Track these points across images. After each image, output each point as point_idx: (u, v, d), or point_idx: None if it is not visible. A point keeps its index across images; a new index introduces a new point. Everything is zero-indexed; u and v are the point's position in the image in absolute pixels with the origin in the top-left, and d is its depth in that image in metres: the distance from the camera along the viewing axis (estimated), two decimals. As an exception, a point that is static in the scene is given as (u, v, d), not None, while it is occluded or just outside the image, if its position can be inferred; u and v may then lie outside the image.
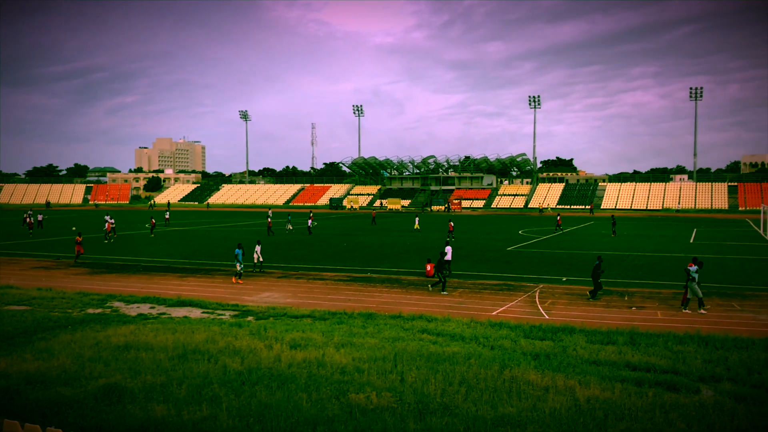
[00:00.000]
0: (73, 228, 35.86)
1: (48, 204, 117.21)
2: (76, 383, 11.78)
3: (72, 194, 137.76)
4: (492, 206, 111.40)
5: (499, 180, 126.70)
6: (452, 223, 50.46)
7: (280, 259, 35.27)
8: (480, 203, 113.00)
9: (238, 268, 26.93)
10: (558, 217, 61.45)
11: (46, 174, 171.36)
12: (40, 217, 59.85)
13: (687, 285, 20.62)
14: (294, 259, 35.20)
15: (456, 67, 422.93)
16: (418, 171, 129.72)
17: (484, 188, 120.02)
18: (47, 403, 10.72)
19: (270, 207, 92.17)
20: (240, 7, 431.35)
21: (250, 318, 18.99)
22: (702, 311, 20.19)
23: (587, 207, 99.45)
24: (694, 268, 20.60)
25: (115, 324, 17.46)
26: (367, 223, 67.44)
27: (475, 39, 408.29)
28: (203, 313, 19.97)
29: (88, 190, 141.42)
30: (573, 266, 32.06)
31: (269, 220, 55.60)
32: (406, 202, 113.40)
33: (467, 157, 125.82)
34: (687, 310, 20.33)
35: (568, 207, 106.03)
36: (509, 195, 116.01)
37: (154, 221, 53.55)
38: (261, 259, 29.93)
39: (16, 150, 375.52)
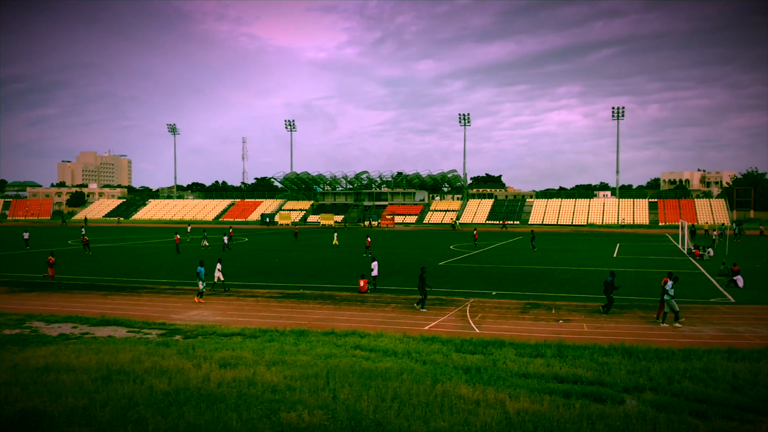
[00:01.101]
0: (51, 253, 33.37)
1: None
2: (-9, 409, 11.17)
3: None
4: (424, 221, 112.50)
5: (431, 196, 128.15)
6: (369, 239, 51.14)
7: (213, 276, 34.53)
8: (413, 218, 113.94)
9: (201, 286, 26.10)
10: (474, 232, 63.31)
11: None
12: None
13: (663, 299, 20.97)
14: (224, 275, 34.54)
15: (387, 84, 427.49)
16: (351, 186, 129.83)
17: (416, 204, 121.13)
18: (-42, 431, 10.14)
19: (189, 223, 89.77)
20: (168, 20, 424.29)
21: (177, 337, 18.51)
22: (677, 324, 20.68)
23: (500, 222, 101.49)
24: (670, 284, 20.96)
25: (34, 345, 16.70)
26: (317, 239, 66.92)
27: (406, 57, 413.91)
28: (129, 332, 19.34)
29: (6, 205, 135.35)
30: (502, 280, 32.65)
31: (177, 236, 53.15)
32: (339, 218, 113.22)
33: (400, 173, 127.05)
34: (664, 324, 20.81)
35: (499, 222, 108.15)
36: (441, 210, 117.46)
37: (86, 238, 51.45)
38: (222, 278, 28.93)
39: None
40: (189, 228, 68.14)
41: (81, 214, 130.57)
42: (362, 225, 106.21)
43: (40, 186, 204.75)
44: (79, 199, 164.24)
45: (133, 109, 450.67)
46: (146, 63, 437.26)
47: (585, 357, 15.83)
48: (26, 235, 56.16)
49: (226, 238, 53.96)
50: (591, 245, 60.33)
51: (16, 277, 34.13)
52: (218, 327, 20.07)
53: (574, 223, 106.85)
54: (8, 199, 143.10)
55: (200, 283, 26.11)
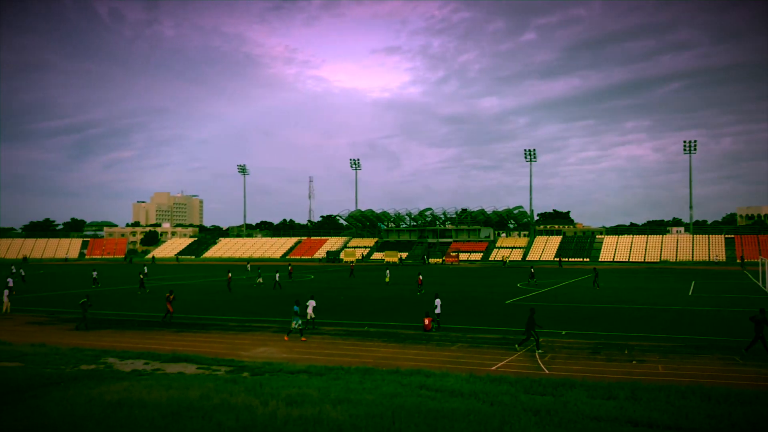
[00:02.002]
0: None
1: (25, 259, 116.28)
2: (67, 443, 11.51)
3: (68, 248, 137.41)
4: (490, 258, 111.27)
5: (496, 232, 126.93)
6: (421, 277, 50.54)
7: (277, 313, 35.00)
8: (478, 255, 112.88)
9: (294, 325, 25.95)
10: (531, 269, 62.63)
11: (42, 228, 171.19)
12: (22, 272, 59.62)
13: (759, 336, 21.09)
14: (289, 313, 34.90)
15: (451, 122, 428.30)
16: (415, 223, 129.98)
17: (481, 240, 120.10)
18: (37, 464, 10.47)
19: (249, 260, 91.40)
20: (238, 65, 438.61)
21: (245, 374, 18.71)
22: None
23: (557, 259, 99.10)
24: None
25: (109, 380, 17.18)
26: (374, 277, 67.09)
27: (469, 95, 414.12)
28: (198, 368, 19.69)
29: (84, 245, 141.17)
30: (571, 320, 31.83)
31: (229, 274, 53.53)
32: (403, 255, 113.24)
33: (464, 210, 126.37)
34: None
35: (567, 259, 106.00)
36: (507, 247, 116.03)
37: (142, 277, 53.04)
38: (313, 316, 28.64)
39: (13, 205, 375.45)
40: (249, 266, 69.46)
41: (151, 254, 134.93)
42: (425, 262, 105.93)
43: (116, 226, 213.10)
44: (153, 238, 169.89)
45: (204, 151, 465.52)
46: (216, 107, 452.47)
47: (661, 399, 15.17)
48: (95, 274, 58.50)
49: (277, 275, 54.28)
50: (664, 283, 58.31)
51: (93, 314, 35.37)
52: (285, 364, 20.20)
53: (646, 260, 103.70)
54: (86, 239, 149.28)
55: (293, 321, 25.91)
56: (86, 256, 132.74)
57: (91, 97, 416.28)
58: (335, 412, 13.54)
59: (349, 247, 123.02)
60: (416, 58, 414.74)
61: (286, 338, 26.00)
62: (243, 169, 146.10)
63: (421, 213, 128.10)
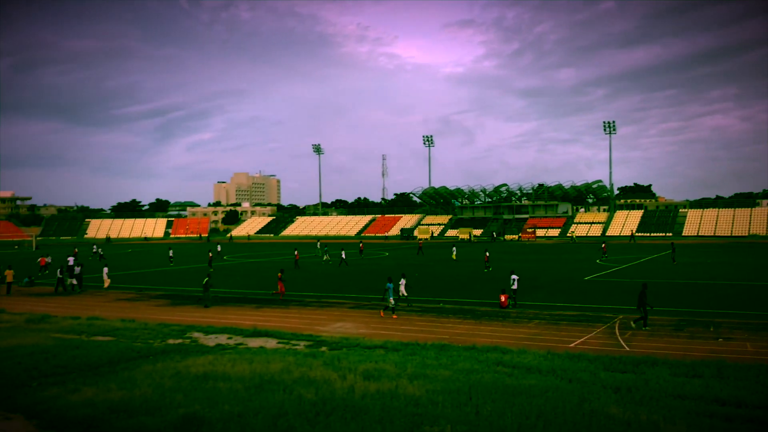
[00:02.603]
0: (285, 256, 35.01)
1: (108, 239, 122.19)
2: (157, 413, 12.10)
3: (154, 228, 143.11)
4: (567, 235, 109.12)
5: (574, 208, 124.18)
6: (488, 254, 50.28)
7: (353, 289, 35.49)
8: (555, 231, 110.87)
9: (391, 301, 26.06)
10: (603, 245, 61.58)
11: (129, 209, 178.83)
12: (100, 251, 61.62)
13: None
14: (366, 289, 35.34)
15: (527, 95, 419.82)
16: (490, 200, 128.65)
17: (559, 216, 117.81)
18: (130, 432, 11.06)
19: (318, 238, 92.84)
20: (311, 45, 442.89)
21: (323, 348, 19.12)
22: None
23: (630, 234, 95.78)
24: None
25: (194, 354, 17.89)
26: (441, 254, 67.08)
27: (545, 66, 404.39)
28: (278, 343, 20.23)
29: (169, 224, 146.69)
30: (655, 296, 30.92)
31: (296, 252, 54.02)
32: (477, 232, 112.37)
33: (541, 185, 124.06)
34: None
35: (648, 234, 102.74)
36: (586, 223, 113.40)
37: (211, 254, 54.74)
38: (405, 294, 28.67)
39: (101, 186, 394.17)
40: (318, 244, 70.87)
41: (239, 230, 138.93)
42: (501, 238, 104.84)
43: (199, 206, 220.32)
44: (233, 217, 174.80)
45: (280, 132, 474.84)
46: (291, 88, 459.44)
47: (749, 379, 14.59)
48: (171, 253, 60.94)
49: (343, 253, 54.93)
50: (753, 258, 55.72)
51: (178, 290, 36.82)
52: (362, 339, 20.51)
53: (733, 234, 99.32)
54: (171, 218, 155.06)
55: (389, 298, 26.03)
56: (171, 235, 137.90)
57: (172, 82, 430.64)
58: (412, 387, 13.68)
59: (422, 225, 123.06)
60: (490, 31, 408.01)
61: (381, 314, 26.15)
62: (318, 149, 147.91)
63: (496, 189, 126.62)
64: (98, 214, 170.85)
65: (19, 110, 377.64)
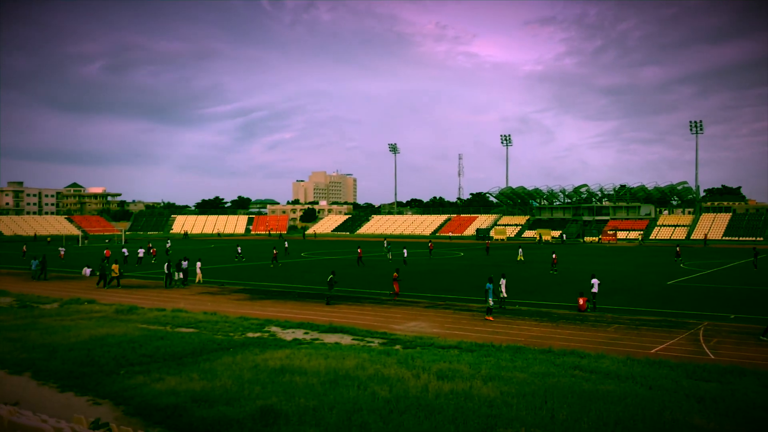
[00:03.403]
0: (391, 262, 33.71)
1: (185, 235, 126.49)
2: (236, 403, 12.49)
3: (236, 224, 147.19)
4: (650, 237, 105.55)
5: (657, 210, 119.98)
6: (555, 255, 49.36)
7: (426, 288, 35.50)
8: (637, 234, 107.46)
9: (490, 302, 25.59)
10: (677, 248, 60.07)
11: (213, 206, 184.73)
12: (140, 252, 58.16)
13: None
14: (441, 289, 35.28)
15: (609, 93, 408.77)
16: (569, 201, 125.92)
17: (641, 218, 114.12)
18: (211, 422, 11.46)
19: (385, 237, 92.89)
20: (389, 45, 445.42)
21: (397, 346, 19.22)
22: None
23: (703, 237, 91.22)
24: None
25: (272, 348, 18.34)
26: (511, 255, 66.19)
27: (629, 64, 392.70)
28: (353, 339, 20.48)
29: (250, 221, 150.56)
30: (743, 302, 29.56)
31: (360, 249, 56.44)
32: (556, 233, 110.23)
33: (623, 186, 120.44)
34: None
35: (736, 239, 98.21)
36: (669, 225, 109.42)
37: (276, 251, 55.83)
38: (505, 295, 27.97)
39: (187, 184, 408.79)
40: (385, 242, 71.43)
41: (316, 228, 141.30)
42: (580, 240, 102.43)
43: (278, 203, 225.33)
44: (311, 215, 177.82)
45: (357, 131, 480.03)
46: (369, 87, 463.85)
47: None
48: (239, 249, 63.06)
49: (405, 252, 55.22)
50: None
51: (257, 285, 37.78)
52: (436, 339, 20.50)
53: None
54: (252, 216, 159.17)
55: (489, 299, 25.58)
56: (251, 232, 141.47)
57: (255, 82, 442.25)
58: (486, 389, 13.60)
59: (499, 225, 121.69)
60: (571, 28, 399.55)
61: (490, 318, 25.10)
62: (394, 148, 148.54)
63: (576, 189, 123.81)
64: (183, 210, 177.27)
65: (112, 110, 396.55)
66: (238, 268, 50.82)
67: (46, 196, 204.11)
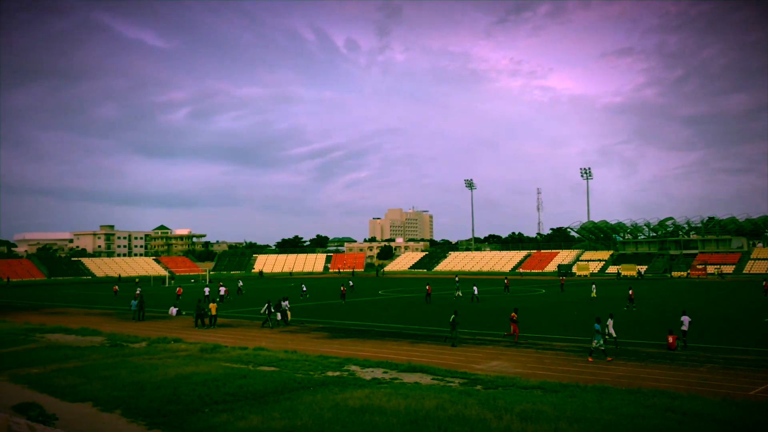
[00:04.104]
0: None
1: (261, 274, 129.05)
2: (317, 443, 12.47)
3: (315, 263, 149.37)
4: (743, 272, 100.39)
5: (751, 242, 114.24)
6: (632, 291, 47.42)
7: (507, 327, 34.79)
8: (729, 268, 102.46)
9: (594, 344, 24.10)
10: (764, 283, 56.12)
11: (292, 245, 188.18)
12: (222, 290, 59.16)
13: None
14: (522, 327, 34.53)
15: (693, 123, 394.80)
16: (654, 234, 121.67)
17: (732, 251, 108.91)
18: (292, 460, 11.48)
19: (456, 273, 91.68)
20: (464, 81, 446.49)
21: (478, 387, 18.85)
22: None
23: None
24: None
25: (352, 387, 18.32)
26: (586, 292, 64.26)
27: (713, 92, 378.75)
28: (433, 379, 20.23)
29: (328, 259, 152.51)
30: None
31: (428, 286, 56.41)
32: (642, 268, 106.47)
33: (711, 218, 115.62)
34: None
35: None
36: (763, 259, 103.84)
37: (344, 288, 55.65)
38: (614, 335, 26.38)
39: (267, 223, 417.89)
40: (457, 279, 71.02)
41: (392, 266, 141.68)
42: (668, 275, 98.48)
43: (355, 241, 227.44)
44: (388, 253, 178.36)
45: (432, 168, 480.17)
46: (444, 124, 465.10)
47: None
48: (304, 287, 63.84)
49: (475, 289, 54.98)
50: None
51: (336, 323, 38.02)
52: (518, 379, 20.00)
53: None
54: (330, 254, 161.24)
55: (594, 341, 24.28)
56: (330, 270, 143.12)
57: (332, 124, 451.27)
58: (571, 431, 13.11)
59: (581, 261, 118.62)
60: (651, 58, 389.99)
61: (590, 360, 24.01)
62: (470, 184, 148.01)
63: (661, 223, 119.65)
64: (264, 249, 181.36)
65: (197, 154, 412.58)
66: (315, 306, 51.34)
67: (136, 238, 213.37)
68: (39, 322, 39.12)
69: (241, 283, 73.17)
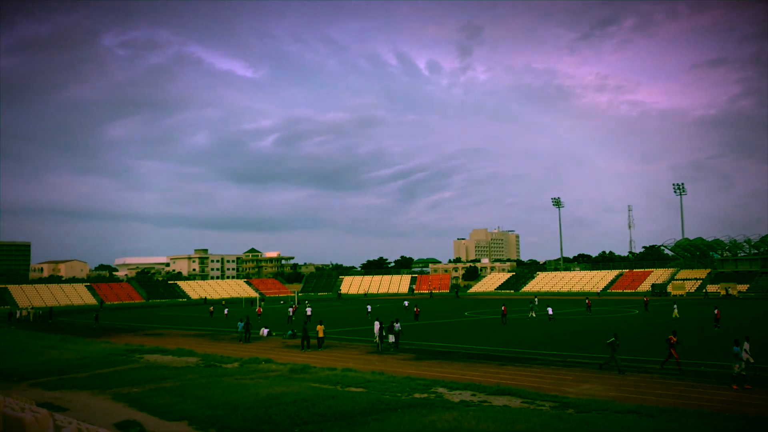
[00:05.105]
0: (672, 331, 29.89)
1: (339, 295, 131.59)
2: (406, 465, 12.44)
3: (399, 284, 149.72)
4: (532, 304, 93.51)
5: None
6: (718, 311, 45.34)
7: (600, 349, 33.71)
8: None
9: (736, 368, 22.25)
10: None
11: (377, 266, 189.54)
12: (308, 311, 59.79)
13: None
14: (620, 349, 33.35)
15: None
16: (756, 251, 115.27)
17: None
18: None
19: (536, 294, 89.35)
20: (548, 99, 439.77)
21: (570, 410, 18.31)
22: None
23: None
24: None
25: (440, 409, 18.19)
26: (696, 312, 61.42)
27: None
28: (522, 402, 19.81)
29: (413, 280, 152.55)
30: None
31: (504, 307, 54.57)
32: (743, 287, 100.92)
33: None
34: None
35: None
36: None
37: (417, 309, 54.99)
38: (752, 360, 23.94)
39: (352, 245, 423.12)
40: (536, 299, 69.44)
41: (478, 287, 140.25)
42: (728, 294, 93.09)
43: (440, 262, 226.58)
44: (473, 273, 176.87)
45: (518, 187, 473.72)
46: (528, 142, 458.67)
47: None
48: (369, 308, 63.32)
49: (550, 310, 53.86)
50: None
51: (421, 345, 37.89)
52: (612, 403, 19.31)
53: None
54: (414, 275, 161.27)
55: (736, 365, 22.44)
56: (414, 291, 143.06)
57: (415, 145, 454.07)
58: (671, 459, 12.53)
59: (676, 280, 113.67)
60: (747, 68, 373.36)
61: (734, 387, 22.13)
62: (557, 202, 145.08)
63: (764, 239, 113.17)
64: (350, 271, 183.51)
65: (284, 179, 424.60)
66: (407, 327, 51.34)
67: (228, 261, 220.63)
68: (138, 343, 40.92)
69: (309, 312, 61.84)
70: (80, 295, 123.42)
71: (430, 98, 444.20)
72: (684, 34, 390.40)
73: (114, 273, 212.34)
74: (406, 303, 63.76)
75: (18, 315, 75.77)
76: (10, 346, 40.66)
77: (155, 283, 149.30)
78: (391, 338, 36.42)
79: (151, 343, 41.72)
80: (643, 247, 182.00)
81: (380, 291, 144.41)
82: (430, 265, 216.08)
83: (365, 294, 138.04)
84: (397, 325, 37.41)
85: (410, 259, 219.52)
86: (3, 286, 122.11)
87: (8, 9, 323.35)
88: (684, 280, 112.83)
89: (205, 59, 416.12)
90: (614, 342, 26.75)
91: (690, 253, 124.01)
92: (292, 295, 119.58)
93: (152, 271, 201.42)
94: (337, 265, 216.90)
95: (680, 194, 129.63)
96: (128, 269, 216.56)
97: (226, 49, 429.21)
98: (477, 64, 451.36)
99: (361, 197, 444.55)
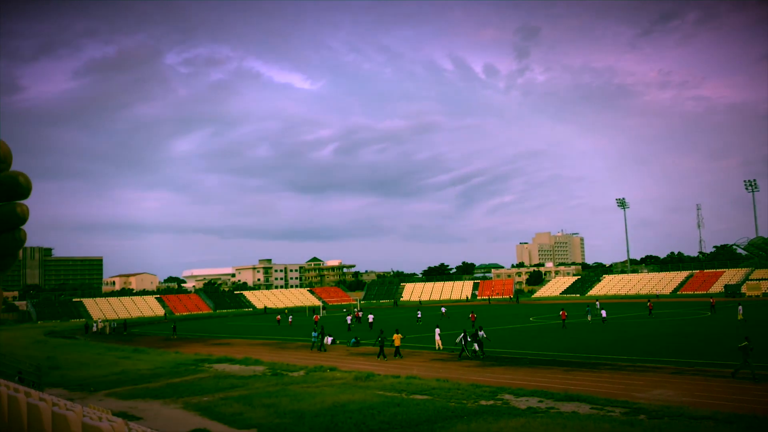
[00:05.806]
0: None
1: (395, 303, 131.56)
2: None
3: (462, 290, 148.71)
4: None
5: None
6: None
7: (671, 353, 32.71)
8: None
9: None
10: None
11: (438, 272, 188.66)
12: (370, 318, 60.81)
13: None
14: (688, 353, 32.32)
15: None
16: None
17: None
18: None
19: (597, 298, 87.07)
20: (609, 97, 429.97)
21: (642, 416, 17.82)
22: None
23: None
24: None
25: (506, 417, 17.98)
26: (763, 314, 58.90)
27: None
28: (591, 409, 19.38)
29: (475, 286, 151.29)
30: None
31: (563, 312, 52.94)
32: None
33: None
34: None
35: None
36: None
37: (473, 315, 54.03)
38: None
39: (413, 252, 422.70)
40: (598, 303, 67.65)
41: (543, 291, 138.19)
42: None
43: (503, 267, 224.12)
44: (537, 278, 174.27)
45: (580, 188, 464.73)
46: (591, 142, 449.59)
47: None
48: (419, 314, 62.28)
49: (603, 313, 53.37)
50: None
51: (487, 352, 37.52)
52: (685, 408, 18.69)
53: None
54: (477, 281, 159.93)
55: None
56: (477, 297, 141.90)
57: (473, 149, 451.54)
58: (751, 467, 12.04)
59: (751, 280, 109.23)
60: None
61: None
62: (622, 203, 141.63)
63: None
64: (411, 278, 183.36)
65: (344, 188, 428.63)
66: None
67: (291, 270, 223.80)
68: (207, 353, 41.89)
69: (361, 312, 67.38)
70: (150, 307, 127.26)
71: (487, 102, 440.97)
72: (750, 25, 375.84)
73: (182, 284, 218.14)
74: (443, 309, 62.68)
75: (95, 328, 78.62)
76: (86, 357, 42.29)
77: (221, 294, 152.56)
78: (476, 346, 35.54)
79: (219, 352, 42.64)
80: (714, 246, 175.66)
81: (442, 297, 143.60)
82: (492, 270, 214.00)
83: (419, 301, 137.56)
84: (482, 333, 36.29)
85: (472, 264, 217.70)
86: (78, 299, 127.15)
87: (76, 33, 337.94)
88: (759, 280, 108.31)
89: (264, 73, 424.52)
90: (747, 346, 24.26)
91: (765, 251, 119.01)
92: (354, 303, 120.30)
93: (218, 282, 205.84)
94: (398, 272, 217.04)
95: (752, 191, 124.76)
96: (195, 281, 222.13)
97: (284, 62, 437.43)
98: (535, 65, 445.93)
99: (419, 203, 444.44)
